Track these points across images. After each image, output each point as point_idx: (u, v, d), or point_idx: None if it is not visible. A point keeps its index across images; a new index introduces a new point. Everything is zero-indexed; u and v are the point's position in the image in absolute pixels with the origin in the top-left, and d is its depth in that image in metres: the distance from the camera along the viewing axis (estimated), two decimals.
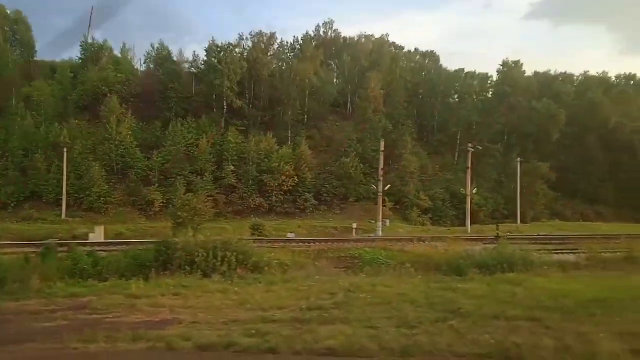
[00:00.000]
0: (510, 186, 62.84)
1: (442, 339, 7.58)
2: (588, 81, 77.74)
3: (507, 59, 74.36)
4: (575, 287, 13.71)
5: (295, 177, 54.50)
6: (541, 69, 78.45)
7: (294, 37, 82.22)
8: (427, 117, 71.26)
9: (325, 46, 78.38)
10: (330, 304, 11.05)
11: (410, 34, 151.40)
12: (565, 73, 79.31)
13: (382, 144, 44.61)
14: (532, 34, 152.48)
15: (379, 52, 71.10)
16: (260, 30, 67.02)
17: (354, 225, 45.82)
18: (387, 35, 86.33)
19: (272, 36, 66.37)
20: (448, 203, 59.35)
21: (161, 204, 50.24)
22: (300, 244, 34.42)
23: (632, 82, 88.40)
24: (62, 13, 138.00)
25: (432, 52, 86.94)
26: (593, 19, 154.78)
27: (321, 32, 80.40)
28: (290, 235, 41.96)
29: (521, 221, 60.42)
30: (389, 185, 45.68)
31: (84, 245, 25.17)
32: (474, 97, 68.98)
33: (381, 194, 43.22)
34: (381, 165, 43.67)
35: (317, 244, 35.15)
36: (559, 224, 56.64)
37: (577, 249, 25.96)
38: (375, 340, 7.62)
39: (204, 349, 7.48)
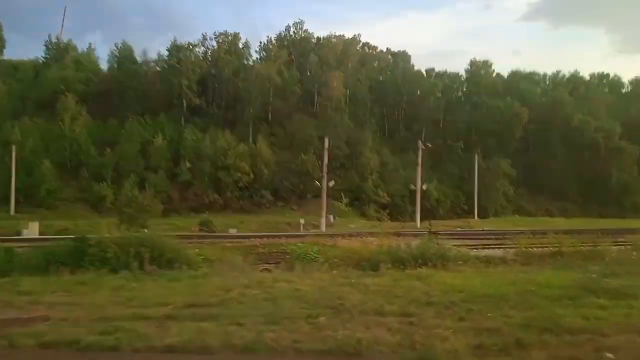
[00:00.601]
0: (472, 182, 62.96)
1: (294, 335, 7.42)
2: (556, 80, 78.21)
3: (474, 58, 75.00)
4: (477, 282, 13.51)
5: (251, 174, 54.41)
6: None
7: (268, 37, 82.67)
8: (393, 115, 71.43)
9: (294, 46, 78.87)
10: (217, 301, 10.88)
11: (410, 34, 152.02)
12: (533, 72, 79.94)
13: (327, 141, 44.77)
14: (531, 35, 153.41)
15: (346, 51, 71.16)
16: (226, 30, 67.60)
17: (302, 221, 45.80)
18: (359, 35, 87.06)
19: (236, 36, 66.56)
20: (407, 199, 59.23)
21: (113, 201, 50.07)
22: (240, 239, 34.55)
23: (604, 81, 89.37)
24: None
25: (403, 51, 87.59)
26: (592, 19, 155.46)
27: (291, 32, 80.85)
28: (232, 231, 41.95)
29: (482, 217, 60.65)
30: (333, 182, 45.69)
31: (16, 241, 25.02)
32: (439, 95, 68.88)
33: (325, 190, 43.14)
34: (325, 162, 43.87)
35: (252, 239, 35.19)
36: (516, 219, 56.62)
37: (511, 244, 26.12)
38: (223, 337, 7.51)
39: (45, 347, 7.37)
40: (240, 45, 67.96)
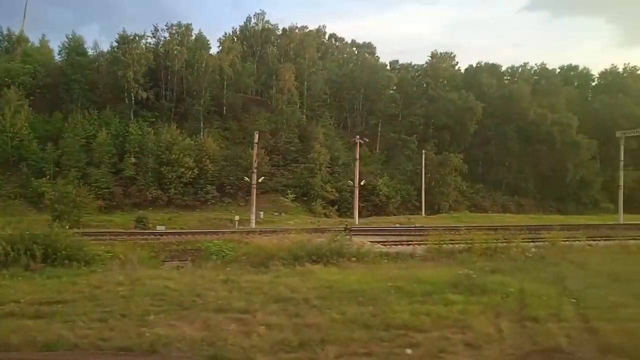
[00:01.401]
0: (426, 177, 62.75)
1: (111, 333, 7.27)
2: (517, 73, 77.76)
3: (435, 50, 74.39)
4: (354, 278, 13.36)
5: (195, 169, 53.92)
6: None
7: (233, 28, 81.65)
8: (352, 109, 70.91)
9: (255, 38, 78.04)
10: (72, 298, 10.71)
11: (407, 26, 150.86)
12: (496, 65, 79.39)
13: (257, 135, 44.39)
14: (532, 26, 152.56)
15: (303, 43, 70.25)
16: (180, 22, 66.57)
17: (236, 218, 45.56)
18: (324, 26, 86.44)
19: (188, 27, 65.55)
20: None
21: (51, 197, 49.53)
22: (159, 236, 34.38)
23: (572, 73, 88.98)
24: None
25: (368, 43, 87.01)
26: (592, 10, 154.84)
27: (251, 24, 79.95)
28: (160, 228, 41.67)
29: (434, 212, 60.58)
30: (263, 177, 45.21)
31: None
32: (394, 89, 68.31)
33: (255, 186, 42.77)
34: (255, 157, 43.27)
35: (171, 236, 35.06)
36: (465, 215, 56.54)
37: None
38: (32, 334, 7.35)
39: None
40: (194, 37, 66.90)
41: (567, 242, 29.08)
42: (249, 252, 23.20)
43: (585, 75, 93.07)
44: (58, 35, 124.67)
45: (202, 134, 60.19)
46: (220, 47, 69.16)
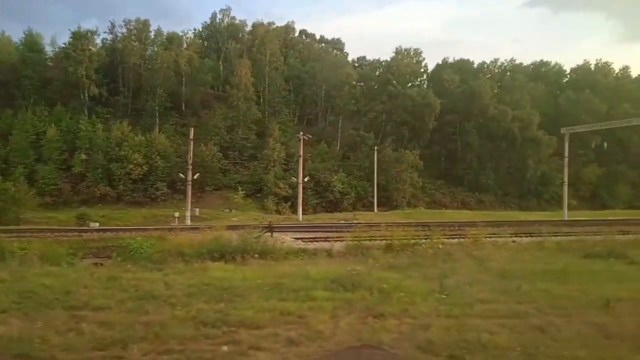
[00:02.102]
0: (382, 174, 62.71)
1: None
2: (483, 69, 77.63)
3: (399, 46, 74.20)
4: (240, 275, 13.41)
5: (145, 166, 53.75)
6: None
7: (204, 23, 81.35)
8: (313, 105, 70.78)
9: (220, 34, 77.82)
10: None
11: (407, 23, 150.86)
12: (462, 60, 79.20)
13: (192, 131, 43.94)
14: (532, 22, 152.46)
15: (264, 40, 69.92)
16: (139, 17, 66.20)
17: (176, 215, 45.44)
18: (293, 22, 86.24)
19: (146, 24, 65.17)
20: (311, 191, 58.98)
21: None
22: (81, 233, 34.36)
23: (544, 69, 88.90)
24: None
25: (337, 39, 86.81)
26: (592, 7, 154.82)
27: (217, 20, 79.69)
28: (93, 225, 41.60)
29: (392, 208, 60.57)
30: (198, 174, 45.10)
31: None
32: (354, 84, 68.12)
33: (190, 182, 42.64)
34: (190, 153, 42.99)
35: (94, 233, 35.00)
36: (416, 211, 56.43)
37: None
38: None
39: None
40: (153, 34, 66.66)
41: (491, 239, 29.41)
42: (166, 249, 23.31)
43: (558, 71, 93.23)
44: (58, 31, 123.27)
45: (157, 130, 59.96)
46: (180, 44, 68.85)
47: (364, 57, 79.86)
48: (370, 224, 39.18)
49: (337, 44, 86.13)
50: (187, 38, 67.83)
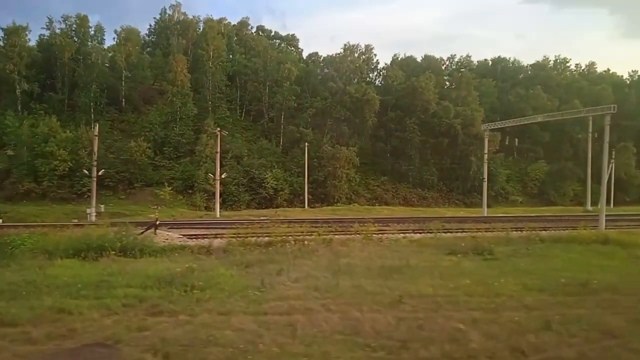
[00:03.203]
0: (319, 170, 62.60)
1: None
2: (430, 66, 77.42)
3: (348, 42, 74.03)
4: (71, 273, 13.52)
5: (70, 162, 53.47)
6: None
7: (155, 18, 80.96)
8: (257, 101, 70.56)
9: (170, 29, 77.46)
10: None
11: (409, 18, 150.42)
12: (410, 57, 79.13)
13: (97, 127, 43.57)
14: (534, 18, 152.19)
15: (206, 36, 69.60)
16: (80, 13, 65.97)
17: (88, 211, 45.10)
18: (248, 18, 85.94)
19: (84, 19, 64.83)
20: (244, 187, 58.83)
21: None
22: None
23: (500, 65, 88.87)
24: None
25: (292, 35, 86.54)
26: (595, 2, 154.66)
27: (166, 15, 79.32)
28: None
29: (330, 204, 60.39)
30: (103, 170, 44.85)
31: None
32: (293, 80, 67.82)
33: (95, 178, 42.40)
34: (95, 149, 42.69)
35: None
36: (347, 208, 56.22)
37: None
38: None
39: None
40: (93, 30, 66.35)
41: (384, 235, 29.39)
42: (49, 243, 23.25)
43: (515, 67, 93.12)
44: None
45: (92, 125, 59.55)
46: (115, 39, 68.66)
47: (316, 53, 79.53)
48: (285, 220, 39.14)
49: (291, 40, 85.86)
50: (125, 33, 66.93)
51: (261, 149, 64.44)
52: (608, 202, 68.57)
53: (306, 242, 23.95)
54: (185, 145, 61.53)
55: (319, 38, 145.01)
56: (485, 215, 49.44)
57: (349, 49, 74.90)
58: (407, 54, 79.73)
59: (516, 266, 16.43)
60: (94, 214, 42.49)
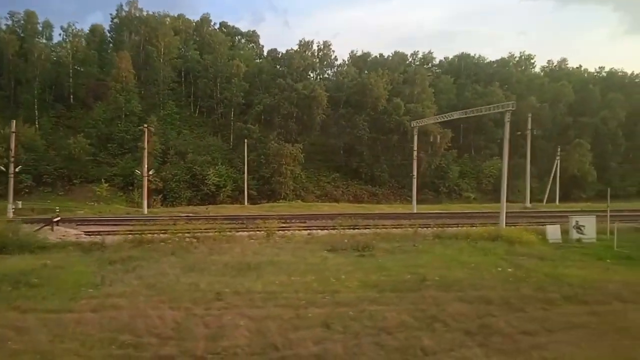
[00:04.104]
0: (267, 166, 62.64)
1: None
2: (385, 63, 77.30)
3: (303, 38, 74.02)
4: None
5: (5, 158, 53.43)
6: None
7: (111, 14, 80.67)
8: (207, 97, 70.57)
9: (126, 25, 77.32)
10: None
11: (411, 14, 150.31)
12: (366, 54, 79.00)
13: (13, 124, 43.46)
14: (537, 14, 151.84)
15: (156, 32, 69.52)
16: (28, 9, 65.96)
17: (10, 207, 45.17)
18: (208, 14, 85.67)
19: (32, 15, 64.78)
20: (185, 184, 58.92)
21: None
22: None
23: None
24: None
25: (253, 32, 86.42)
26: None
27: (123, 12, 79.08)
28: None
29: (274, 201, 60.42)
30: (20, 166, 44.87)
31: None
32: (241, 77, 67.74)
33: (12, 175, 42.44)
34: (12, 146, 42.61)
35: None
36: (284, 205, 56.22)
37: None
38: None
39: None
40: (40, 26, 66.25)
41: (289, 231, 29.60)
42: None
43: (478, 64, 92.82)
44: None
45: (36, 122, 59.84)
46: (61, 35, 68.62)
47: (276, 50, 79.27)
48: (209, 217, 39.44)
49: (251, 37, 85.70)
50: (75, 30, 67.02)
51: (208, 146, 64.46)
52: (554, 199, 69.09)
53: (194, 240, 24.57)
54: (130, 142, 61.48)
55: (321, 35, 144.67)
56: (415, 211, 49.51)
57: (303, 45, 74.79)
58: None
59: (381, 263, 17.54)
60: (12, 210, 42.54)
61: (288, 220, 36.10)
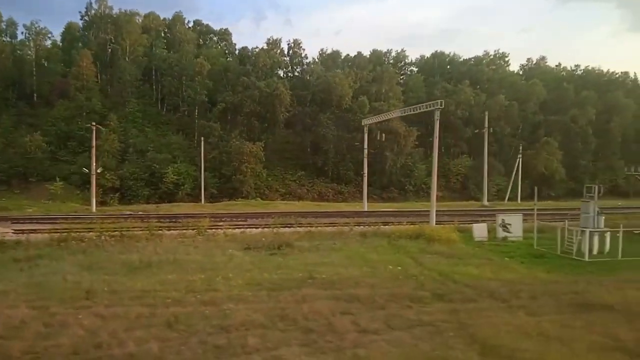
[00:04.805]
0: (229, 165, 62.19)
1: None
2: (355, 61, 77.17)
3: (271, 37, 73.70)
4: None
5: None
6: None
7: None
8: (172, 95, 70.01)
9: (97, 23, 76.37)
10: None
11: (414, 12, 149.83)
12: (335, 52, 78.82)
13: None
14: (540, 12, 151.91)
15: (122, 30, 68.81)
16: None
17: None
18: (180, 12, 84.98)
19: None
20: (142, 182, 58.33)
21: None
22: None
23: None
24: None
25: (225, 30, 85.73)
26: None
27: (92, 10, 78.08)
28: None
29: (234, 199, 59.98)
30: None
31: None
32: (205, 74, 67.17)
33: None
34: None
35: None
36: (243, 202, 55.78)
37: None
38: None
39: None
40: (4, 24, 65.41)
41: (221, 229, 29.32)
42: None
43: (451, 62, 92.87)
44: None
45: None
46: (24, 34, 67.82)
47: (246, 47, 78.73)
48: (155, 215, 39.18)
49: (222, 35, 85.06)
50: (38, 28, 66.17)
51: (170, 144, 63.89)
52: (526, 198, 69.25)
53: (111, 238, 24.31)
54: (90, 140, 60.65)
55: (323, 33, 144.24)
56: (366, 210, 49.45)
57: (272, 43, 74.38)
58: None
59: (285, 261, 17.89)
60: None
61: (229, 219, 36.05)
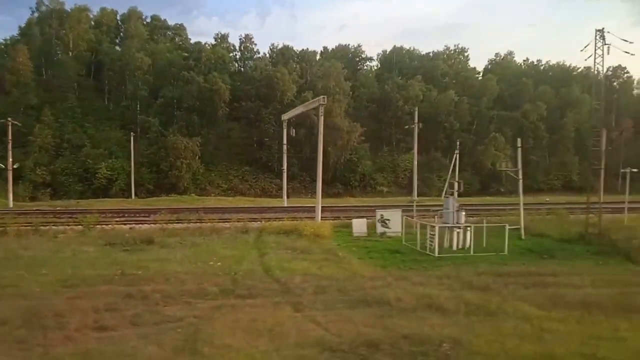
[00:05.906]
0: (166, 160, 62.24)
1: None
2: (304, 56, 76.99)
3: (218, 32, 73.55)
4: None
5: None
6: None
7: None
8: (115, 90, 70.09)
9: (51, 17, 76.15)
10: None
11: (416, 9, 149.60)
12: (287, 47, 78.64)
13: None
14: (546, 5, 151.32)
15: (64, 25, 68.80)
16: None
17: None
18: (135, 7, 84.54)
19: None
20: (74, 178, 58.47)
21: None
22: None
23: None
24: None
25: (180, 24, 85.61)
26: None
27: (43, 6, 77.93)
28: None
29: (170, 195, 60.08)
30: None
31: None
32: (146, 70, 67.15)
33: None
34: None
35: None
36: (173, 198, 55.95)
37: None
38: None
39: None
40: None
41: (108, 225, 29.63)
42: None
43: (415, 57, 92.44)
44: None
45: None
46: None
47: (200, 43, 78.54)
48: (75, 211, 39.54)
49: (177, 30, 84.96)
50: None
51: (108, 139, 63.94)
52: (475, 193, 69.18)
53: None
54: (26, 136, 60.81)
55: (327, 29, 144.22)
56: (285, 205, 49.55)
57: (219, 38, 74.33)
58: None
59: (125, 258, 18.76)
60: None
61: (133, 215, 36.28)
